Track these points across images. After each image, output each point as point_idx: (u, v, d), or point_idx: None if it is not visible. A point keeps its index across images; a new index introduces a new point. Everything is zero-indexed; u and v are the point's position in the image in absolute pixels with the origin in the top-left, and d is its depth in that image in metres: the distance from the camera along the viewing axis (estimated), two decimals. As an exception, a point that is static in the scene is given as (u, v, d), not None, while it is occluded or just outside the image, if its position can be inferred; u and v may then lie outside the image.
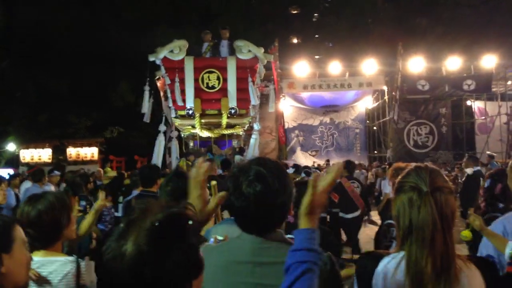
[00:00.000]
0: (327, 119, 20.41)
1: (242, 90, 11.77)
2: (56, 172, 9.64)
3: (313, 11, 27.79)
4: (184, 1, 24.35)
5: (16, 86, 22.23)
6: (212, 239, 3.02)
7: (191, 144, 12.95)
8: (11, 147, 21.58)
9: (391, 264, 1.76)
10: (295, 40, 26.39)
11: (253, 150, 12.43)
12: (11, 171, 17.09)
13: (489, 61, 17.13)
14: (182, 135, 13.03)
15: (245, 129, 12.87)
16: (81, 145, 21.14)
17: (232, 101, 11.78)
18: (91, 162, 20.27)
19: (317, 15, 27.75)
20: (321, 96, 19.41)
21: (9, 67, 21.93)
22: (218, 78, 11.82)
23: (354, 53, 19.05)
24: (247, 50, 11.82)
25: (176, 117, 12.30)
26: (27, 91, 22.52)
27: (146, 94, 12.65)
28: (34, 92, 22.60)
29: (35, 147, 20.80)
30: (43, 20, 21.83)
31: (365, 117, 20.82)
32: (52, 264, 2.24)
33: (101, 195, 3.80)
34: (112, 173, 12.88)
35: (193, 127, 12.07)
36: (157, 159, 12.41)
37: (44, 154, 20.63)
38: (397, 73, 17.30)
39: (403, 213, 1.72)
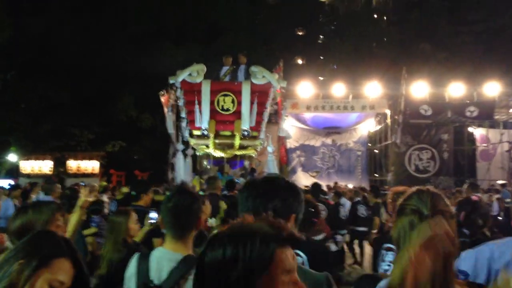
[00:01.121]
0: (329, 141, 20.39)
1: (255, 114, 12.31)
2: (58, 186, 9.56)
3: (318, 33, 28.06)
4: (190, 17, 24.59)
5: (19, 97, 22.32)
6: None
7: (205, 162, 13.35)
8: (11, 157, 21.58)
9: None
10: (299, 61, 26.57)
11: (273, 171, 12.79)
12: (11, 181, 17.07)
13: (492, 88, 17.16)
14: (197, 154, 13.44)
15: (257, 150, 13.36)
16: (82, 158, 21.15)
17: (245, 124, 12.28)
18: (91, 175, 20.23)
19: (322, 37, 27.99)
20: (324, 117, 19.42)
21: (14, 78, 22.06)
22: (233, 101, 12.37)
23: (358, 76, 19.14)
24: (261, 75, 12.30)
25: (191, 137, 12.76)
26: (30, 102, 22.60)
27: (170, 115, 13.47)
28: (37, 104, 22.67)
29: (36, 159, 20.80)
30: (48, 32, 22.05)
31: (367, 140, 20.80)
32: None
33: (84, 191, 3.76)
34: (125, 189, 12.92)
35: (207, 146, 12.49)
36: (177, 176, 12.78)
37: (44, 166, 20.62)
38: (401, 97, 17.34)
39: (404, 236, 1.71)
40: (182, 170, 12.75)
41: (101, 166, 21.40)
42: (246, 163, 13.13)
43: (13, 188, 10.85)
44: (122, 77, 22.38)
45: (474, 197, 3.84)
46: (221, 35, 24.54)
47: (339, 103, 18.26)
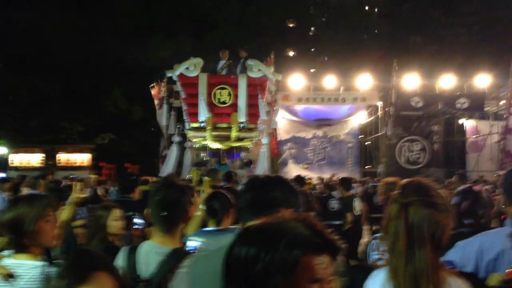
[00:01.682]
0: (320, 133, 20.41)
1: (252, 106, 12.71)
2: (41, 181, 9.48)
3: (309, 25, 27.99)
4: (181, 11, 24.42)
5: (8, 89, 22.10)
6: (193, 246, 2.95)
7: (202, 154, 13.69)
8: (1, 150, 21.41)
9: (380, 276, 1.78)
10: (291, 53, 26.52)
11: (262, 163, 13.42)
12: (1, 174, 16.94)
13: (482, 80, 17.27)
14: (194, 146, 13.77)
15: (253, 142, 13.72)
16: (72, 151, 21.04)
17: (241, 116, 12.69)
18: (81, 168, 20.13)
19: (313, 29, 27.94)
20: (315, 109, 19.43)
21: (2, 70, 21.82)
22: (229, 94, 12.75)
23: (349, 68, 19.14)
24: (257, 69, 12.76)
25: (189, 129, 13.15)
26: (19, 95, 22.40)
27: (165, 107, 14.01)
28: (27, 96, 22.47)
29: (26, 152, 20.65)
30: (39, 25, 21.81)
31: (358, 132, 20.85)
32: (21, 267, 2.29)
33: (77, 186, 3.70)
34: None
35: (205, 138, 12.87)
36: (166, 168, 13.14)
37: (33, 159, 20.48)
38: (392, 89, 17.38)
39: (386, 225, 1.78)
40: (173, 162, 13.06)
41: (92, 158, 21.29)
42: (243, 154, 13.43)
43: (2, 181, 10.75)
44: (112, 70, 22.23)
45: (476, 187, 3.85)
46: (213, 28, 24.41)
47: (330, 95, 18.27)
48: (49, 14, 22.22)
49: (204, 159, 13.56)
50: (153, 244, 2.32)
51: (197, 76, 12.80)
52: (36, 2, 22.22)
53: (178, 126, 14.47)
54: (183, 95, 13.02)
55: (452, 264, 2.39)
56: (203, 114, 12.66)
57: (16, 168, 19.56)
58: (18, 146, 21.03)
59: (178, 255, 2.23)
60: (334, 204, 9.46)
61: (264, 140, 14.08)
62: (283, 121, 19.58)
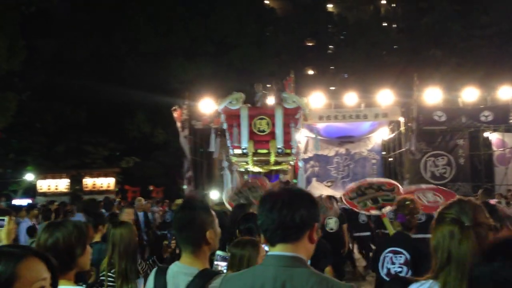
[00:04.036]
0: (342, 150, 20.29)
1: (288, 134, 13.98)
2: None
3: (328, 43, 28.13)
4: (199, 34, 24.80)
5: (35, 117, 22.65)
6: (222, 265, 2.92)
7: (245, 177, 14.86)
8: (29, 177, 21.84)
9: None
10: (310, 72, 26.64)
11: (302, 183, 14.71)
12: (29, 201, 17.27)
13: (506, 92, 17.01)
14: (238, 170, 15.02)
15: (290, 165, 15.00)
16: (98, 175, 21.33)
17: (279, 143, 13.81)
18: (107, 192, 20.36)
19: (332, 47, 28.05)
20: (337, 127, 19.36)
21: (29, 99, 22.40)
22: (267, 124, 14.02)
23: (370, 84, 19.11)
24: (292, 100, 14.02)
25: (233, 155, 14.51)
26: (46, 122, 22.92)
27: (213, 135, 15.44)
28: (52, 123, 22.97)
29: (53, 177, 21.03)
30: (61, 53, 22.42)
31: (381, 148, 20.65)
32: None
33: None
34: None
35: (247, 163, 14.07)
36: (227, 191, 14.53)
37: (61, 184, 20.83)
38: (413, 104, 17.24)
39: (443, 244, 1.76)
40: (229, 184, 14.29)
41: (117, 182, 21.55)
42: (281, 176, 14.58)
43: (30, 207, 10.93)
44: (134, 94, 22.63)
45: (491, 201, 3.80)
46: (232, 49, 24.70)
47: (352, 112, 18.20)
48: (72, 42, 22.85)
49: (249, 181, 14.50)
50: (181, 265, 2.33)
51: (239, 108, 14.07)
52: (61, 31, 22.89)
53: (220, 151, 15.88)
54: (226, 126, 14.33)
55: None
56: (244, 141, 13.87)
57: (44, 194, 19.91)
58: (46, 172, 21.44)
59: (206, 276, 2.24)
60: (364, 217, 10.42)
61: (300, 163, 15.49)
62: (305, 139, 19.57)
